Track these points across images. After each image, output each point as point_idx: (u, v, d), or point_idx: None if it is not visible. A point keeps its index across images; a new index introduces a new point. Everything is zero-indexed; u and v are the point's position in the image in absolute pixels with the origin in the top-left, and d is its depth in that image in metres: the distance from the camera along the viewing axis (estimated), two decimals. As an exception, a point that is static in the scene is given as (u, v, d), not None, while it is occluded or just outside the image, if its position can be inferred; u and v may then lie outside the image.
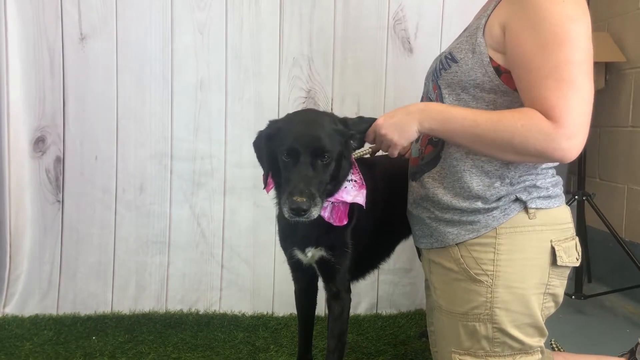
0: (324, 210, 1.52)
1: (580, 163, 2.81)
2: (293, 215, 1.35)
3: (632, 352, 1.67)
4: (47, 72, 2.51)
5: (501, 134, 1.25)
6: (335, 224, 1.54)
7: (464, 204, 1.39)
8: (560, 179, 1.46)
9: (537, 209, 1.36)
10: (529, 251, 1.37)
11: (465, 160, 1.40)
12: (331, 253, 1.61)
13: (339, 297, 1.66)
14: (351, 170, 1.54)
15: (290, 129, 1.46)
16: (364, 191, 1.53)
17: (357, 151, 1.60)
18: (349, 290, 1.69)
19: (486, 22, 1.33)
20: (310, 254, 1.64)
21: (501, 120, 1.25)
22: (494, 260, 1.36)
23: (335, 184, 1.48)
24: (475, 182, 1.38)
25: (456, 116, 1.31)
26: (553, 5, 1.20)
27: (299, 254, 1.67)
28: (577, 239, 1.45)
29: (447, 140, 1.40)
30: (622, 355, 1.70)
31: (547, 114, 1.20)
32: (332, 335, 1.66)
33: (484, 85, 1.34)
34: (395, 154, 1.43)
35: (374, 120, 1.47)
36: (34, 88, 2.50)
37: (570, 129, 1.18)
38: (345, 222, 1.54)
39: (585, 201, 2.77)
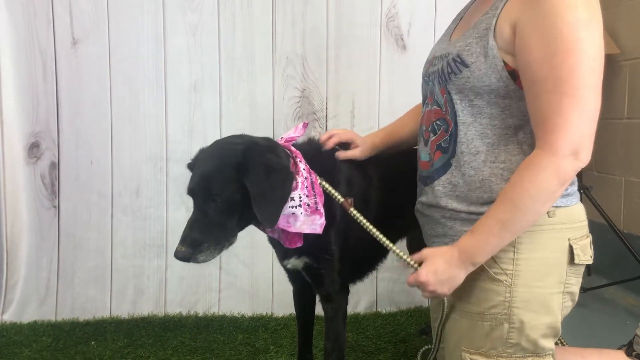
0: (273, 232, 1.51)
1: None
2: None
3: (630, 344, 1.66)
4: (40, 77, 2.50)
5: (523, 206, 1.23)
6: (286, 247, 1.51)
7: (482, 209, 1.34)
8: (575, 177, 1.43)
9: (556, 207, 1.32)
10: (549, 250, 1.33)
11: (482, 169, 1.35)
12: (313, 260, 1.59)
13: (331, 300, 1.64)
14: (304, 192, 1.45)
15: (195, 166, 1.47)
16: (317, 217, 1.45)
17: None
18: (342, 292, 1.65)
19: (496, 22, 1.27)
20: (291, 265, 1.64)
21: (512, 195, 1.23)
22: (513, 259, 1.32)
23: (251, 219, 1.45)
24: (495, 190, 1.33)
25: (485, 234, 1.27)
26: (566, 10, 1.15)
27: (284, 261, 1.67)
28: (590, 236, 1.42)
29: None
30: (620, 348, 1.70)
31: (545, 138, 1.19)
32: (327, 337, 1.65)
33: (499, 91, 1.29)
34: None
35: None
36: (27, 93, 2.49)
37: (570, 147, 1.17)
38: (299, 245, 1.50)
39: (583, 194, 2.77)
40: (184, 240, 1.38)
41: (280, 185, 1.40)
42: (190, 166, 1.51)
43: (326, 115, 2.61)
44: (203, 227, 1.39)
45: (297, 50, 2.57)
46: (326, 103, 2.60)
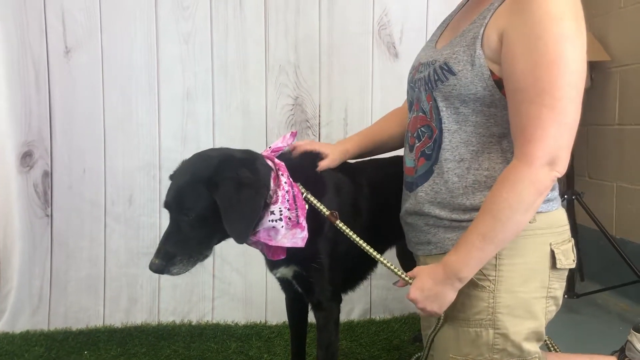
0: (256, 245, 1.52)
1: (569, 162, 2.82)
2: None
3: (622, 350, 1.67)
4: (33, 86, 2.49)
5: (503, 217, 1.23)
6: (269, 258, 1.53)
7: (465, 216, 1.36)
8: (556, 182, 1.45)
9: (537, 212, 1.32)
10: (531, 255, 1.35)
11: (466, 176, 1.36)
12: (303, 268, 1.59)
13: (322, 308, 1.63)
14: (285, 206, 1.44)
15: (173, 179, 1.49)
16: (298, 231, 1.45)
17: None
18: (333, 300, 1.64)
19: (484, 31, 1.28)
20: (280, 274, 1.65)
21: (492, 207, 1.24)
22: (496, 265, 1.33)
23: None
24: (478, 197, 1.35)
25: (468, 249, 1.27)
26: (552, 23, 1.17)
27: (273, 270, 1.67)
28: (572, 241, 1.43)
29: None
30: (613, 353, 1.70)
31: (522, 149, 1.22)
32: (319, 346, 1.64)
33: (485, 100, 1.30)
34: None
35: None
36: (19, 102, 2.48)
37: (546, 158, 1.20)
38: (282, 257, 1.50)
39: (575, 200, 2.79)
40: (158, 252, 1.40)
41: (250, 201, 1.39)
42: (172, 177, 1.52)
43: (319, 123, 2.62)
44: (177, 240, 1.40)
45: (289, 58, 2.58)
46: (319, 110, 2.61)
